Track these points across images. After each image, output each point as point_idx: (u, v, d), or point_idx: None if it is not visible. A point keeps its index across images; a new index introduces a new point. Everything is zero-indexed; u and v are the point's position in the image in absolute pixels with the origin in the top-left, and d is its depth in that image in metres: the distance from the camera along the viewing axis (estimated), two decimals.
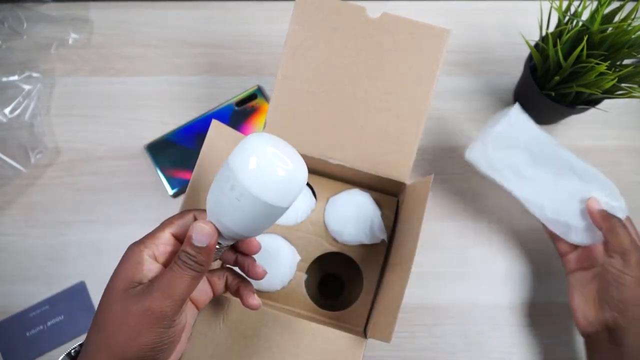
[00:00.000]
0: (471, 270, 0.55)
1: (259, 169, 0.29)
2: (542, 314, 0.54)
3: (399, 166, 0.44)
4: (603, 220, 0.44)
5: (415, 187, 0.42)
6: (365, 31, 0.43)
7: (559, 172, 0.48)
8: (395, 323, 0.35)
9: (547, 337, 0.53)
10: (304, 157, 0.43)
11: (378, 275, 0.46)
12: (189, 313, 0.36)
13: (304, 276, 0.46)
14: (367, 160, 0.44)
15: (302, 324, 0.40)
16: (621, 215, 0.50)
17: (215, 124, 0.40)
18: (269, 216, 0.31)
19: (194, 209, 0.35)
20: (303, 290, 0.46)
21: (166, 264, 0.33)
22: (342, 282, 0.52)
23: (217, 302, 0.40)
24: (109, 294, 0.32)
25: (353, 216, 0.46)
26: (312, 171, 0.49)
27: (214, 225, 0.31)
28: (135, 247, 0.32)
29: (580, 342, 0.51)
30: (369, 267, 0.46)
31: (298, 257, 0.46)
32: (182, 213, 0.35)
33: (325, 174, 0.49)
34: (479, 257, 0.55)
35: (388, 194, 0.49)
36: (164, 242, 0.33)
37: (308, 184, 0.49)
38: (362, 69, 0.44)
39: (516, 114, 0.50)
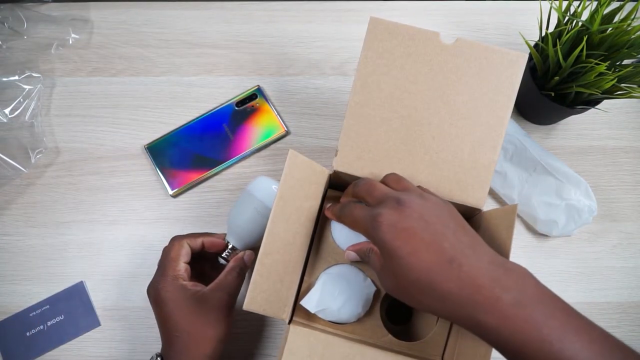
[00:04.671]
0: None
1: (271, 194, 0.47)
2: None
3: (475, 192, 0.43)
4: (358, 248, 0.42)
5: (498, 214, 0.41)
6: (439, 57, 0.43)
7: (534, 170, 0.54)
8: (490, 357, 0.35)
9: None
10: None
11: None
12: None
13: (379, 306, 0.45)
14: (441, 186, 0.44)
15: (388, 357, 0.40)
16: (591, 213, 0.52)
17: (292, 154, 0.40)
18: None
19: (187, 237, 0.47)
20: (379, 321, 0.45)
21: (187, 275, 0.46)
22: (409, 308, 0.51)
23: (309, 340, 0.41)
24: (173, 300, 0.43)
25: None
26: None
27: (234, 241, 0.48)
28: (168, 281, 0.45)
29: None
30: None
31: (374, 287, 0.45)
32: (179, 245, 0.46)
33: None
34: None
35: None
36: (181, 270, 0.46)
37: None
38: (436, 95, 0.43)
39: None
